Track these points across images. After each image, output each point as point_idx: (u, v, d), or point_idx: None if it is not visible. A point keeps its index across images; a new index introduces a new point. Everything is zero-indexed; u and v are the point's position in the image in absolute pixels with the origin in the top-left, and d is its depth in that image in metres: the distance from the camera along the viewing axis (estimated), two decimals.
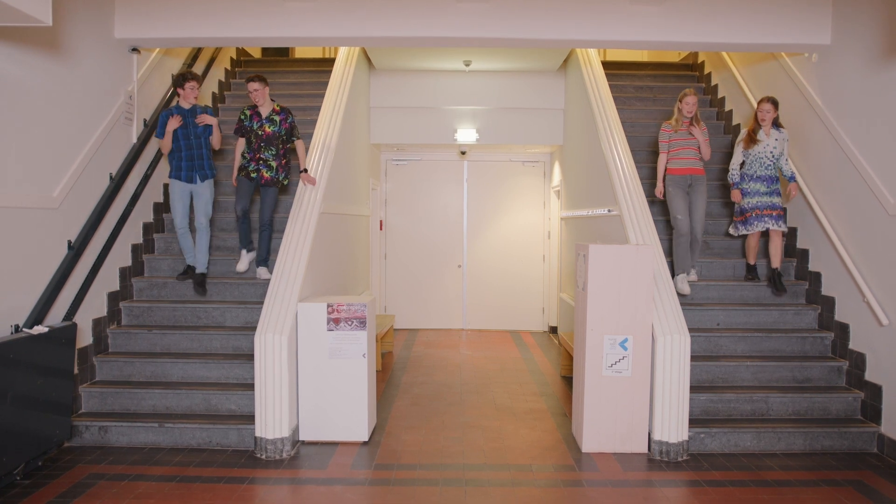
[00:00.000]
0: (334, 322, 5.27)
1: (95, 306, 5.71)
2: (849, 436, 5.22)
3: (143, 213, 6.59)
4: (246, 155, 6.32)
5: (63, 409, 4.82)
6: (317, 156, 6.54)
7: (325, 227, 6.36)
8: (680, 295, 6.08)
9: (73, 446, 5.13)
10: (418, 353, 8.94)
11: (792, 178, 6.11)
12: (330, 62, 9.22)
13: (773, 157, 6.09)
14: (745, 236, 6.49)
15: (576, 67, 8.45)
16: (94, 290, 5.64)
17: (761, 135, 6.13)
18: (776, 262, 6.18)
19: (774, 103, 6.13)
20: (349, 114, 7.64)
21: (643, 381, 5.13)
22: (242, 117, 6.31)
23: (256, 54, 10.63)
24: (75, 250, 5.36)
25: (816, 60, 6.20)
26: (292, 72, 9.60)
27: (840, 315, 5.81)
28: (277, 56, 11.10)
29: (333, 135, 6.84)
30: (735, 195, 6.29)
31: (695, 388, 5.45)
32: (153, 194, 6.81)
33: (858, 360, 5.50)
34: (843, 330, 5.73)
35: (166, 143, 6.12)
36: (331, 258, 6.77)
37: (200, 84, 6.18)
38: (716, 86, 8.67)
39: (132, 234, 6.36)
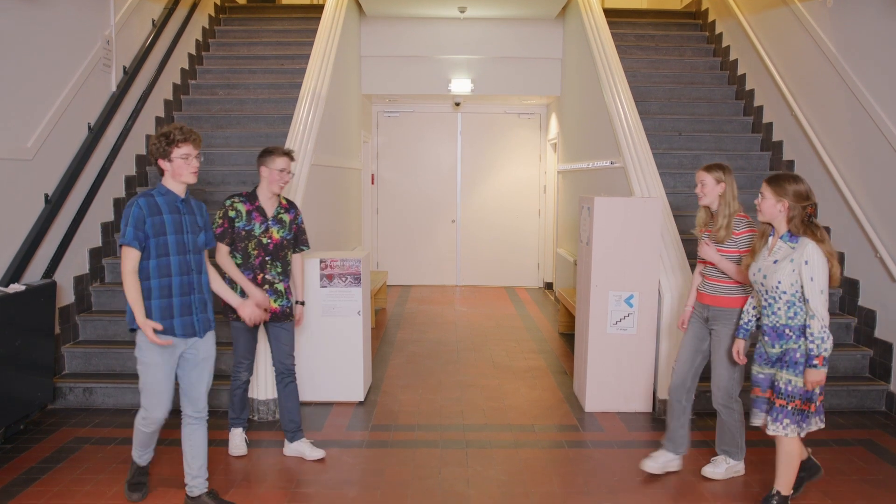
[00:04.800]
0: (327, 278, 5.04)
1: (76, 263, 5.45)
2: (857, 394, 5.10)
3: (125, 165, 6.29)
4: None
5: (44, 371, 4.61)
6: (306, 106, 6.23)
7: (315, 180, 6.09)
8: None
9: (56, 408, 4.94)
10: (412, 309, 8.77)
11: (812, 361, 3.24)
12: (319, 9, 8.82)
13: (772, 288, 3.35)
14: None
15: (575, 14, 8.10)
16: (74, 246, 5.37)
17: (765, 248, 3.46)
18: (777, 482, 3.50)
19: (772, 181, 3.37)
20: (339, 63, 7.31)
21: (649, 338, 4.96)
22: (233, 214, 4.01)
23: (242, 0, 10.19)
24: (53, 204, 5.08)
25: (832, 5, 5.91)
26: (279, 19, 9.20)
27: (849, 271, 5.64)
28: (264, 2, 10.65)
29: (324, 84, 6.53)
30: (737, 346, 3.73)
31: None
32: (135, 146, 6.48)
33: (868, 317, 5.35)
34: (852, 286, 5.56)
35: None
36: (322, 212, 6.51)
37: (199, 146, 3.45)
38: (720, 34, 8.36)
39: (114, 187, 6.06)
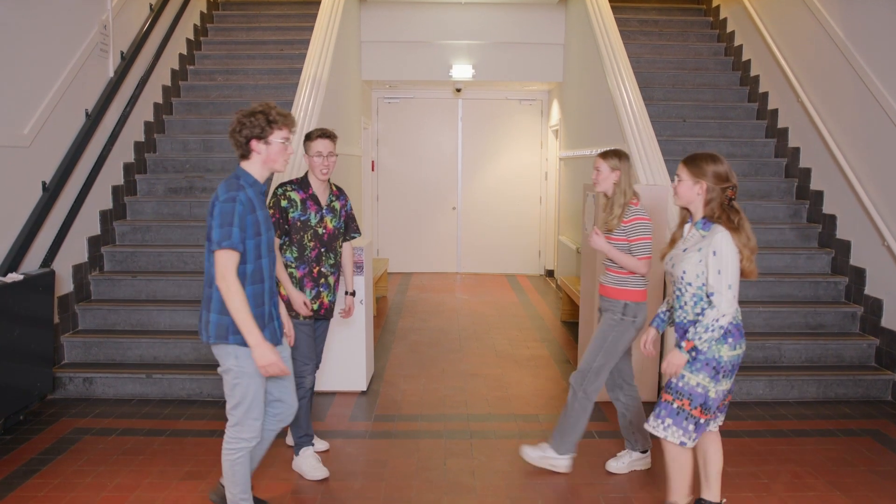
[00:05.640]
0: None
1: (75, 252, 5.39)
2: (863, 383, 5.06)
3: (123, 152, 6.21)
4: (294, 272, 3.77)
5: (44, 361, 4.55)
6: (307, 92, 6.14)
7: None
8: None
9: (56, 399, 4.89)
10: (413, 297, 8.72)
11: (680, 342, 3.01)
12: None
13: (678, 279, 3.05)
14: None
15: None
16: (72, 235, 5.31)
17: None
18: (670, 493, 3.19)
19: (688, 161, 3.05)
20: (339, 48, 7.20)
21: None
22: (286, 204, 3.70)
23: None
24: (50, 192, 5.01)
25: None
26: (278, 3, 9.07)
27: (855, 259, 5.59)
28: None
29: (324, 70, 6.43)
30: (647, 335, 3.39)
31: None
32: (133, 133, 6.41)
33: (874, 306, 5.30)
34: (858, 275, 5.51)
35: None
36: None
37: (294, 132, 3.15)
38: (724, 19, 8.27)
39: (112, 174, 5.99)
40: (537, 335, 6.86)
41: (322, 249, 3.79)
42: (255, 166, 2.99)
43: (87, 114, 5.60)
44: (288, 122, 3.01)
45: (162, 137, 6.84)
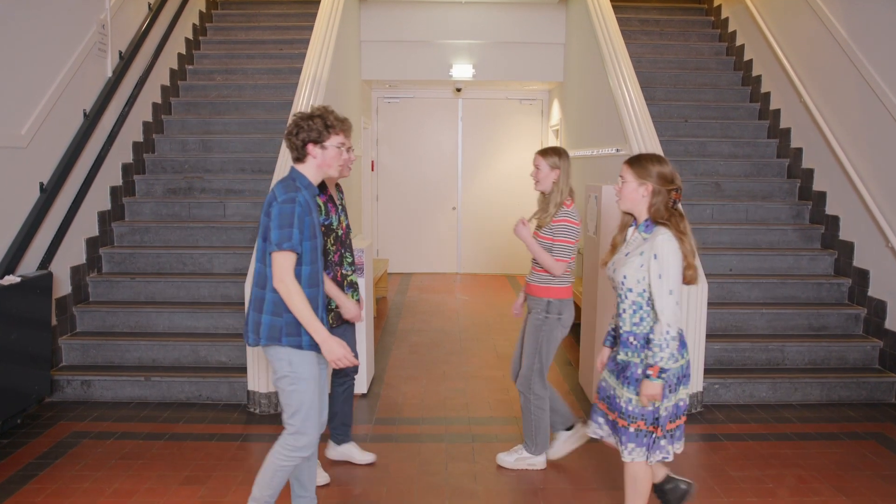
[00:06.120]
0: None
1: (73, 253, 5.35)
2: (867, 386, 5.03)
3: (122, 152, 6.17)
4: None
5: (41, 363, 4.52)
6: (307, 92, 6.09)
7: None
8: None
9: (54, 401, 4.85)
10: (413, 298, 8.68)
11: (646, 370, 2.80)
12: None
13: (619, 285, 2.90)
14: None
15: None
16: (70, 236, 5.27)
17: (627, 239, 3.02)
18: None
19: (632, 162, 2.92)
20: (339, 47, 7.16)
21: None
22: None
23: None
24: (48, 193, 4.97)
25: None
26: (278, 2, 9.03)
27: (859, 261, 5.56)
28: None
29: (324, 70, 6.38)
30: (602, 356, 3.14)
31: (708, 337, 5.19)
32: (132, 133, 6.37)
33: (878, 308, 5.27)
34: (861, 276, 5.48)
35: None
36: None
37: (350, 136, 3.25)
38: (726, 19, 8.23)
39: (110, 175, 5.95)
40: None
41: (343, 250, 3.69)
42: (310, 169, 3.00)
43: (85, 114, 5.55)
44: (345, 127, 3.06)
45: (161, 138, 6.79)
